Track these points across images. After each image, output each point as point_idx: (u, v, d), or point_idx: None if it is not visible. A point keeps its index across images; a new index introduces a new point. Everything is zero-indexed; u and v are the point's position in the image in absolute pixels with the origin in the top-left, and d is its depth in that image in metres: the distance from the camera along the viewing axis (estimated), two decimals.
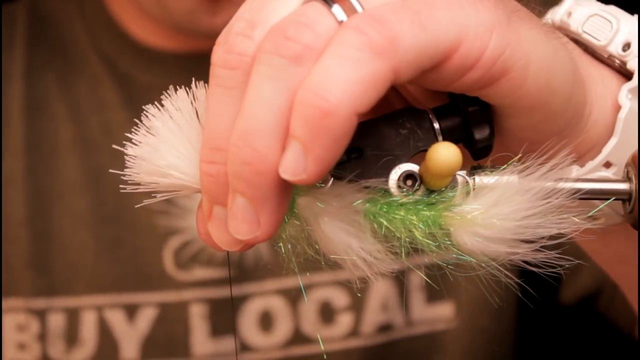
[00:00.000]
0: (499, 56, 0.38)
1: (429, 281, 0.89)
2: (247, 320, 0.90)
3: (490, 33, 0.38)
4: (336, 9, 0.37)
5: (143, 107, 0.42)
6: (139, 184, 0.41)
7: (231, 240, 0.39)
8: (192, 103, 0.41)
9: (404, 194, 0.40)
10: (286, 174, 0.35)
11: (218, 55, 0.38)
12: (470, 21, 0.37)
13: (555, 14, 0.50)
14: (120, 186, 0.42)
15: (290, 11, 0.38)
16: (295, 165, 0.35)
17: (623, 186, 0.41)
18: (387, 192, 0.40)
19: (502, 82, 0.39)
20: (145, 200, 0.43)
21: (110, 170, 0.43)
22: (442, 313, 0.91)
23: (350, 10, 0.37)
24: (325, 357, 0.91)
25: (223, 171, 0.37)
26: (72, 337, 0.89)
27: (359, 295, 0.90)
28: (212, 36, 0.98)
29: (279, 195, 0.36)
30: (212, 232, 0.39)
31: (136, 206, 0.47)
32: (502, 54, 0.38)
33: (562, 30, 0.49)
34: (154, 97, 0.42)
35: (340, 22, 0.36)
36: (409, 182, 0.40)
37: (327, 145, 0.35)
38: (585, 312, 0.94)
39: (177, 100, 0.41)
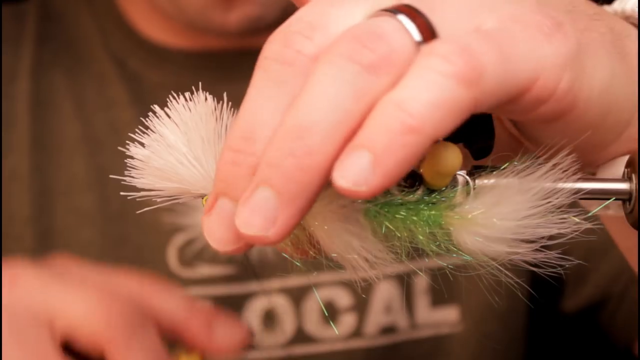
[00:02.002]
0: (570, 89, 0.38)
1: (434, 284, 0.90)
2: (251, 319, 0.90)
3: (564, 66, 0.38)
4: (410, 27, 0.36)
5: (151, 105, 0.42)
6: (140, 190, 0.41)
7: (229, 238, 0.37)
8: (199, 107, 0.41)
9: (404, 193, 0.40)
10: (345, 181, 0.34)
11: (273, 48, 0.37)
12: (547, 54, 0.38)
13: (627, 3, 0.49)
14: (122, 193, 0.42)
15: (354, 22, 0.37)
16: (358, 175, 0.34)
17: (623, 186, 0.42)
18: (387, 191, 0.40)
19: (570, 114, 0.40)
20: (146, 207, 0.43)
21: (111, 176, 0.43)
22: (447, 317, 0.91)
23: (423, 29, 0.36)
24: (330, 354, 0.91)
25: (248, 162, 0.36)
26: None
27: (363, 296, 0.90)
28: (224, 34, 0.98)
29: (308, 198, 0.35)
30: (210, 225, 0.38)
31: (138, 212, 0.46)
32: (572, 86, 0.39)
33: (631, 19, 0.48)
34: (163, 95, 0.42)
35: (417, 43, 0.36)
36: (409, 182, 0.40)
37: (400, 162, 0.34)
38: (587, 322, 0.94)
39: (184, 103, 0.41)
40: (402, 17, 0.36)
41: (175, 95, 0.41)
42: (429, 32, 0.36)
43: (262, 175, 0.35)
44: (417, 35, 0.36)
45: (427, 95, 0.34)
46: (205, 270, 0.90)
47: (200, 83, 0.42)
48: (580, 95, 0.39)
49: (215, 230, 0.37)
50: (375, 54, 0.35)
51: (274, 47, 0.37)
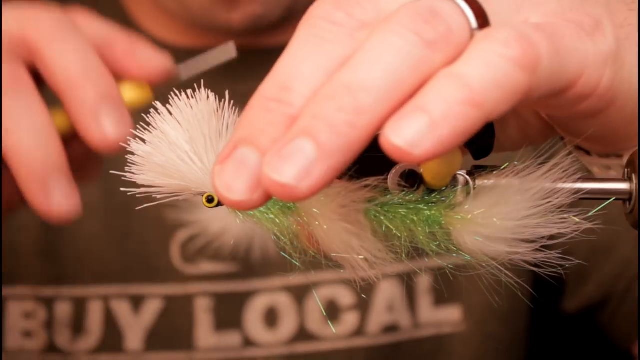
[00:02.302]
0: (610, 86, 0.39)
1: (435, 285, 0.90)
2: (252, 316, 0.90)
3: (605, 64, 0.39)
4: (469, 12, 0.37)
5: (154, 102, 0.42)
6: (140, 186, 0.41)
7: (245, 187, 0.35)
8: (201, 105, 0.41)
9: (405, 193, 0.40)
10: (399, 140, 0.33)
11: (323, 8, 0.37)
12: (589, 52, 0.38)
13: None
14: (122, 189, 0.42)
15: (403, 1, 0.37)
16: (414, 135, 0.33)
17: (623, 186, 0.42)
18: (387, 191, 0.40)
19: (609, 110, 0.40)
20: (149, 201, 0.42)
21: (111, 172, 0.43)
22: (450, 316, 0.91)
23: (479, 15, 0.37)
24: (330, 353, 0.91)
25: (283, 111, 0.35)
26: (78, 326, 0.90)
27: (363, 296, 0.90)
28: (228, 32, 0.98)
29: (347, 157, 0.34)
30: (224, 174, 0.35)
31: (138, 208, 0.46)
32: (613, 83, 0.39)
33: None
34: (166, 93, 0.42)
35: (473, 29, 0.37)
36: (410, 181, 0.40)
37: (456, 132, 0.33)
38: (588, 323, 0.94)
39: (186, 101, 0.42)
40: (461, 2, 0.37)
41: (177, 92, 0.42)
42: (483, 20, 0.37)
43: (304, 126, 0.34)
44: (474, 21, 0.37)
45: (489, 74, 0.34)
46: (207, 266, 0.90)
47: (202, 81, 0.42)
48: (620, 89, 0.40)
49: (229, 179, 0.35)
50: (435, 31, 0.35)
51: (324, 7, 0.37)
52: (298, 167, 0.33)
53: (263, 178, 0.34)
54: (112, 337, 0.90)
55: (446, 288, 0.90)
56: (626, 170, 0.43)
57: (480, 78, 0.34)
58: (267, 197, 0.35)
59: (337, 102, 0.34)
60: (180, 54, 0.94)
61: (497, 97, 0.34)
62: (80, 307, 0.90)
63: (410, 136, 0.33)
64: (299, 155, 0.33)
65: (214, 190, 0.36)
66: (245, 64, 0.92)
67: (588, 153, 0.47)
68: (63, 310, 0.89)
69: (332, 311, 0.90)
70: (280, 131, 0.35)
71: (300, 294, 0.90)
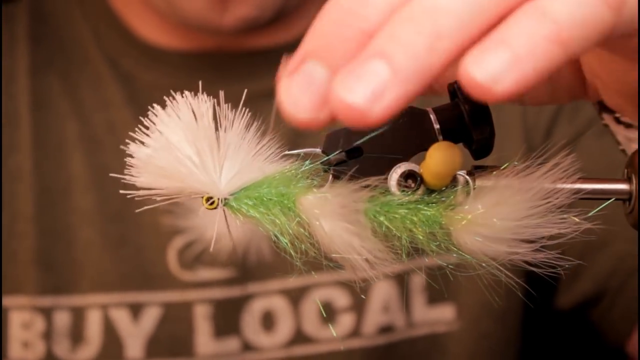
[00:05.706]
0: None
1: (429, 284, 0.89)
2: (250, 321, 0.90)
3: None
4: None
5: (146, 106, 0.42)
6: (138, 188, 0.41)
7: (311, 104, 0.34)
8: (197, 107, 0.41)
9: (405, 193, 0.40)
10: (481, 73, 0.32)
11: None
12: None
13: None
14: (121, 191, 0.41)
15: None
16: (495, 70, 0.32)
17: (623, 186, 0.42)
18: (387, 191, 0.40)
19: None
20: (145, 206, 0.42)
21: (111, 175, 0.43)
22: (444, 315, 0.91)
23: None
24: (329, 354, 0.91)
25: (358, 26, 0.34)
26: (77, 335, 0.89)
27: (362, 297, 0.90)
28: (220, 34, 0.97)
29: (421, 83, 0.33)
30: (291, 88, 0.34)
31: (137, 210, 0.46)
32: None
33: None
34: (158, 96, 0.42)
35: None
36: (410, 182, 0.40)
37: (538, 71, 0.32)
38: (581, 319, 0.94)
39: (182, 103, 0.41)
40: None
41: (172, 95, 0.41)
42: None
43: (380, 47, 0.33)
44: None
45: (577, 10, 0.33)
46: (204, 273, 0.90)
47: (200, 82, 0.42)
48: None
49: (296, 94, 0.34)
50: None
51: None
52: (370, 89, 0.32)
53: (332, 97, 0.33)
54: (112, 346, 0.89)
55: (440, 287, 0.90)
56: (626, 170, 0.43)
57: (568, 14, 0.32)
58: (332, 119, 0.34)
59: (416, 26, 0.32)
60: (171, 57, 0.93)
61: (582, 36, 0.33)
62: (78, 316, 0.89)
63: (492, 70, 0.32)
64: (372, 77, 0.32)
65: (280, 104, 0.34)
66: (237, 66, 0.92)
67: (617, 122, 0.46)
68: (62, 319, 0.89)
69: (328, 313, 0.90)
70: (352, 48, 0.34)
71: (296, 296, 0.90)
